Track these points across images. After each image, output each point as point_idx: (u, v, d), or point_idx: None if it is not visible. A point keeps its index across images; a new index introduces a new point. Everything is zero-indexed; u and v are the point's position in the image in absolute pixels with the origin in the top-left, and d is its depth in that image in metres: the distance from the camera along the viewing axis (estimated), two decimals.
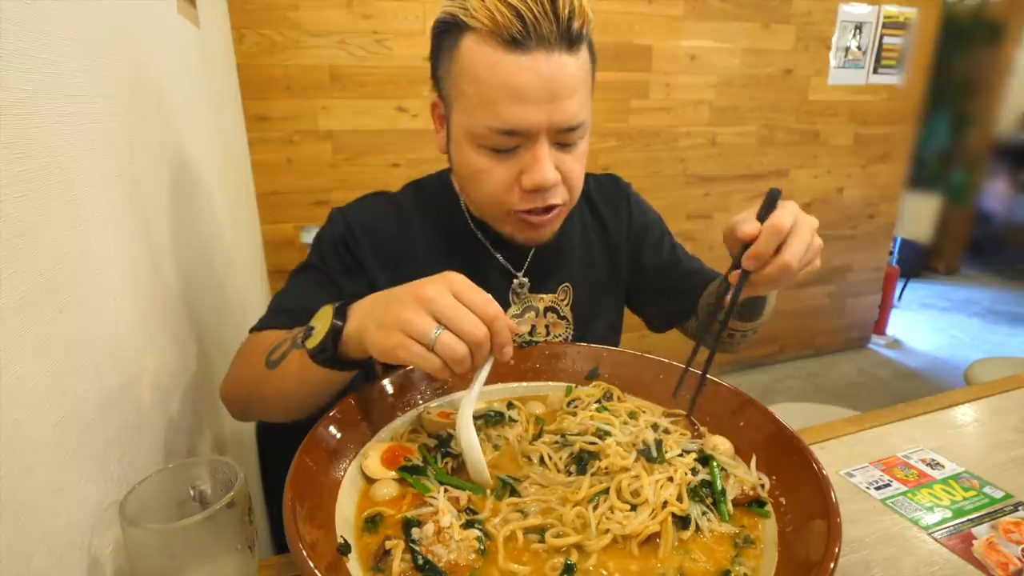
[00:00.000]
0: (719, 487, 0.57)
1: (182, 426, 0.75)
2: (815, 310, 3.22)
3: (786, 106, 2.75)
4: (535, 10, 0.63)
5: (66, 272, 0.48)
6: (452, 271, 0.55)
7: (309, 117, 2.01)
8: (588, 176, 0.97)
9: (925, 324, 3.77)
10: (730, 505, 0.56)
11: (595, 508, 0.53)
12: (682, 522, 0.53)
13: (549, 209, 0.75)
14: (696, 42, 2.48)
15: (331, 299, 0.79)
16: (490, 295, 0.55)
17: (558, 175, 0.72)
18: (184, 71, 1.06)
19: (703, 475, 0.58)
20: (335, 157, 2.08)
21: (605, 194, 0.96)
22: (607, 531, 0.51)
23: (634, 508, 0.53)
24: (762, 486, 0.58)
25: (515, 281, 0.88)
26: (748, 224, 0.61)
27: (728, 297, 0.64)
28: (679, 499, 0.54)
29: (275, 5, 1.87)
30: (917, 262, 4.35)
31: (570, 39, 0.66)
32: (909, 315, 3.87)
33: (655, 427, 0.64)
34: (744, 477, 0.58)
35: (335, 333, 0.57)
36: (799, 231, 0.60)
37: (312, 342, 0.58)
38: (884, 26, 2.79)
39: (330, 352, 0.58)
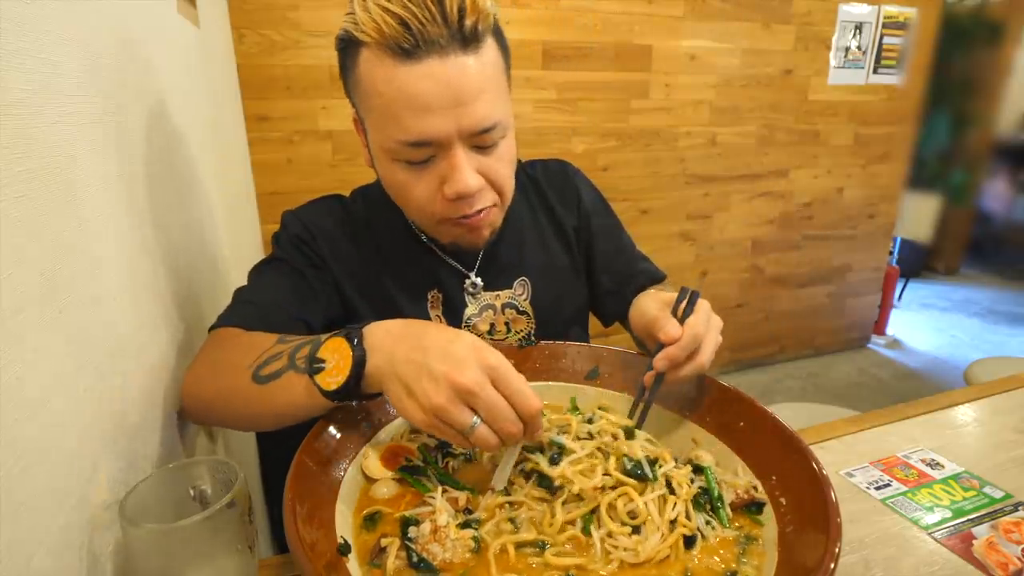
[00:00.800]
0: (716, 494, 0.57)
1: (182, 426, 0.75)
2: (815, 310, 3.22)
3: (786, 106, 2.75)
4: (420, 16, 0.61)
5: (66, 272, 0.48)
6: (480, 347, 0.52)
7: (309, 117, 2.02)
8: (536, 162, 0.96)
9: (925, 324, 3.77)
10: (728, 510, 0.56)
11: (586, 529, 0.52)
12: (687, 540, 0.52)
13: (479, 212, 0.73)
14: (696, 42, 2.48)
15: (300, 292, 0.78)
16: (527, 385, 0.52)
17: (480, 180, 0.70)
18: (184, 71, 1.06)
19: (698, 482, 0.58)
20: (335, 157, 2.08)
21: (552, 179, 0.94)
22: (614, 559, 0.50)
23: (636, 530, 0.52)
24: (755, 488, 0.58)
25: (467, 281, 0.87)
26: (672, 328, 0.64)
27: (645, 396, 0.68)
28: (687, 517, 0.53)
29: (275, 5, 1.87)
30: (917, 262, 4.35)
31: (464, 39, 0.63)
32: (909, 315, 3.87)
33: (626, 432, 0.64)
34: (736, 481, 0.59)
35: (358, 371, 0.54)
36: (711, 334, 0.66)
37: (329, 380, 0.55)
38: (884, 26, 2.79)
39: (351, 391, 0.55)
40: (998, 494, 0.72)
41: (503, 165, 0.73)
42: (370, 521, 0.54)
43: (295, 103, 1.98)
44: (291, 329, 0.71)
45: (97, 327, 0.53)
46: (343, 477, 0.58)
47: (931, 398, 0.95)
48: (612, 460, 0.58)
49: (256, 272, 0.82)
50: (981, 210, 4.62)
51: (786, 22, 2.61)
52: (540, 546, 0.51)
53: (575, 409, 0.74)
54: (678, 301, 0.68)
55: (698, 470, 0.60)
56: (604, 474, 0.56)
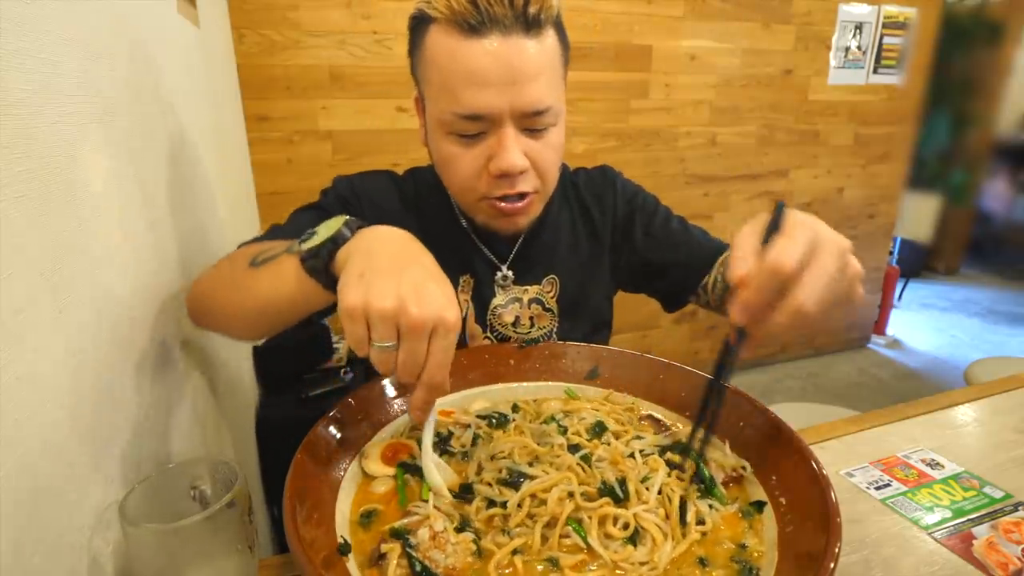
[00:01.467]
0: (707, 475, 0.58)
1: (182, 426, 0.75)
2: None
3: (786, 106, 2.75)
4: None
5: (66, 272, 0.48)
6: (448, 303, 0.49)
7: (309, 117, 2.01)
8: (579, 171, 0.98)
9: (925, 324, 3.77)
10: (722, 488, 0.58)
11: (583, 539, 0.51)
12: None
13: (521, 196, 0.76)
14: (696, 42, 2.48)
15: None
16: (449, 360, 0.50)
17: (526, 161, 0.73)
18: (184, 71, 1.06)
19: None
20: (335, 157, 2.08)
21: (593, 186, 0.97)
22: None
23: (632, 541, 0.51)
24: (743, 467, 0.60)
25: (499, 273, 0.89)
26: (741, 263, 0.47)
27: (723, 361, 0.55)
28: (684, 518, 0.53)
29: (275, 5, 1.87)
30: (917, 262, 4.35)
31: (527, 22, 0.68)
32: (909, 315, 3.87)
33: (598, 428, 0.64)
34: (723, 460, 0.60)
35: (336, 242, 0.53)
36: (819, 262, 0.46)
37: (310, 243, 0.55)
38: (884, 26, 2.79)
39: (323, 260, 0.53)
40: (998, 494, 0.72)
41: (550, 152, 0.76)
42: (366, 518, 0.54)
43: (295, 103, 1.98)
44: None
45: (97, 327, 0.53)
46: (343, 476, 0.58)
47: (931, 398, 0.95)
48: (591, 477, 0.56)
49: (294, 213, 0.84)
50: (981, 210, 4.62)
51: (786, 22, 2.61)
52: (553, 562, 0.50)
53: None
54: (768, 223, 0.49)
55: (683, 451, 0.60)
56: (569, 494, 0.54)
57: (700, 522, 0.53)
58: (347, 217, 0.56)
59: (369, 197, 0.87)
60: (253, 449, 1.31)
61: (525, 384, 0.77)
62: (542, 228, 0.90)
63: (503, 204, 0.76)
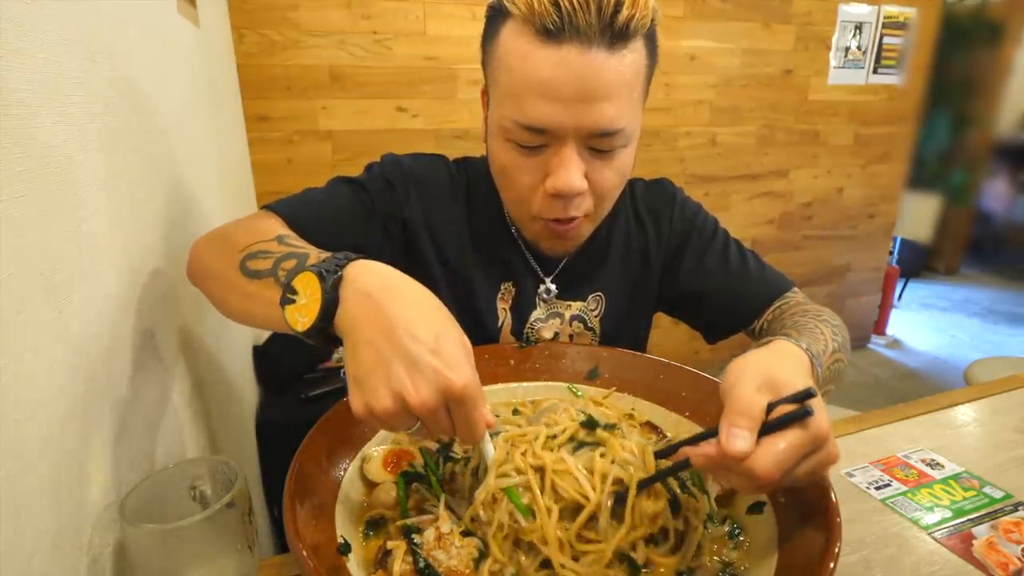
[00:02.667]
0: (700, 488, 0.56)
1: (182, 426, 0.75)
2: None
3: (786, 106, 2.75)
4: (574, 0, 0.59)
5: (66, 272, 0.48)
6: (456, 363, 0.44)
7: (309, 117, 2.02)
8: (636, 182, 0.91)
9: (925, 324, 3.77)
10: (714, 504, 0.56)
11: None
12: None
13: (571, 219, 0.71)
14: (696, 42, 2.48)
15: (357, 226, 0.75)
16: (482, 414, 0.46)
17: (584, 183, 0.67)
18: (184, 71, 1.06)
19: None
20: (335, 157, 2.08)
21: (650, 200, 0.90)
22: None
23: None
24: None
25: (542, 287, 0.85)
26: (735, 440, 0.43)
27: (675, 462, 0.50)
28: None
29: (275, 5, 1.87)
30: (917, 262, 4.35)
31: (613, 34, 0.60)
32: (909, 315, 3.87)
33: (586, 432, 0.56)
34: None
35: (325, 319, 0.47)
36: (796, 468, 0.44)
37: (297, 318, 0.48)
38: (884, 26, 2.79)
39: (322, 334, 0.49)
40: (998, 494, 0.72)
41: (614, 175, 0.70)
42: (372, 526, 0.54)
43: (295, 103, 1.98)
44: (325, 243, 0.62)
45: (97, 327, 0.53)
46: (343, 477, 0.58)
47: (931, 398, 0.95)
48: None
49: (333, 183, 0.77)
50: (981, 210, 4.62)
51: (786, 22, 2.61)
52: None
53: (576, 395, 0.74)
54: (785, 402, 0.46)
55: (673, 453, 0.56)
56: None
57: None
58: (319, 270, 0.48)
59: (419, 181, 0.81)
60: (253, 449, 1.31)
61: (525, 384, 0.77)
62: (592, 243, 0.83)
63: (554, 223, 0.72)
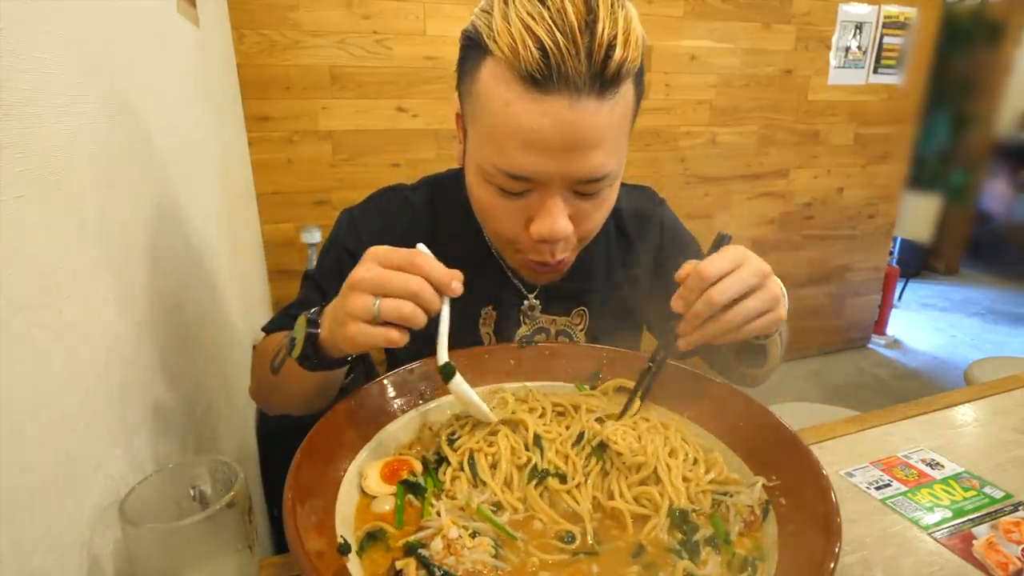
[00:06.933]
0: (723, 533, 0.53)
1: (182, 426, 0.75)
2: (815, 310, 3.22)
3: (786, 106, 2.75)
4: (563, 47, 0.54)
5: (66, 272, 0.48)
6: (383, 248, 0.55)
7: (309, 117, 2.01)
8: (620, 187, 0.88)
9: (925, 324, 3.77)
10: (734, 547, 0.53)
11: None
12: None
13: (559, 261, 0.70)
14: (696, 42, 2.48)
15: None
16: (413, 250, 0.56)
17: (569, 227, 0.65)
18: (184, 71, 1.06)
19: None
20: (335, 157, 2.08)
21: (635, 210, 0.88)
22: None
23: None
24: (767, 503, 0.55)
25: (525, 303, 0.84)
26: (683, 270, 0.59)
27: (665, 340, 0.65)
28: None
29: (275, 5, 1.87)
30: (917, 262, 4.35)
31: (602, 82, 0.56)
32: (909, 315, 3.87)
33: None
34: (742, 504, 0.55)
35: (312, 340, 0.59)
36: (738, 275, 0.57)
37: (295, 352, 0.60)
38: (884, 26, 2.79)
39: (312, 359, 0.60)
40: (998, 494, 0.72)
41: (599, 214, 0.69)
42: (371, 539, 0.53)
43: (295, 103, 1.98)
44: None
45: (97, 327, 0.53)
46: (343, 477, 0.58)
47: (931, 398, 0.95)
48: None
49: (303, 283, 0.84)
50: (981, 210, 4.62)
51: (786, 22, 2.61)
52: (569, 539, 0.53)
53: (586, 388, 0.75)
54: (710, 248, 0.61)
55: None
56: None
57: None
58: (307, 316, 0.60)
59: (371, 229, 0.80)
60: (253, 449, 1.31)
61: (526, 384, 0.76)
62: (575, 258, 0.80)
63: (537, 266, 0.71)
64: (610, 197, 0.69)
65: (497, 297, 0.83)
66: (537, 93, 0.56)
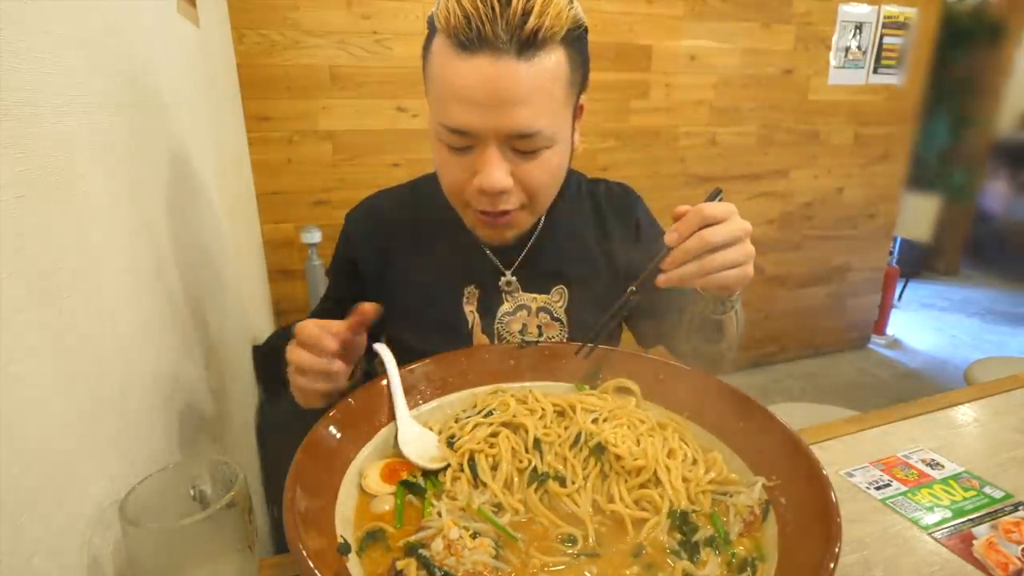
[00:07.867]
0: (722, 532, 0.54)
1: (182, 426, 0.75)
2: (815, 310, 3.22)
3: (786, 106, 2.75)
4: (483, 13, 0.63)
5: (66, 272, 0.48)
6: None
7: (309, 117, 2.01)
8: (600, 181, 0.96)
9: (925, 324, 3.77)
10: (733, 547, 0.53)
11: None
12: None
13: (504, 213, 0.75)
14: (696, 42, 2.48)
15: (341, 310, 0.83)
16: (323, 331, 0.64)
17: (508, 181, 0.71)
18: (184, 71, 1.06)
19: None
20: (335, 157, 2.08)
21: (614, 201, 0.94)
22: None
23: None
24: (767, 503, 0.55)
25: (502, 279, 0.88)
26: (680, 210, 0.65)
27: (650, 268, 0.67)
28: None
29: (275, 5, 1.87)
30: (917, 262, 4.34)
31: (521, 44, 0.64)
32: (909, 315, 3.87)
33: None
34: (742, 504, 0.56)
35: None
36: (728, 224, 0.64)
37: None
38: (884, 26, 2.79)
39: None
40: (998, 494, 0.72)
41: (541, 173, 0.74)
42: (371, 538, 0.53)
43: (295, 103, 1.98)
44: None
45: (97, 327, 0.53)
46: (343, 476, 0.58)
47: (931, 398, 0.95)
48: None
49: (328, 274, 0.97)
50: (981, 210, 4.61)
51: (786, 22, 2.61)
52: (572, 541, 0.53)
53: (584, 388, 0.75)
54: (705, 199, 0.67)
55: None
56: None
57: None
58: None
59: (362, 234, 0.90)
60: (253, 449, 1.31)
61: (526, 385, 0.76)
62: (550, 236, 0.88)
63: (485, 216, 0.76)
64: (553, 160, 0.74)
65: (477, 275, 0.88)
66: (465, 54, 0.65)
